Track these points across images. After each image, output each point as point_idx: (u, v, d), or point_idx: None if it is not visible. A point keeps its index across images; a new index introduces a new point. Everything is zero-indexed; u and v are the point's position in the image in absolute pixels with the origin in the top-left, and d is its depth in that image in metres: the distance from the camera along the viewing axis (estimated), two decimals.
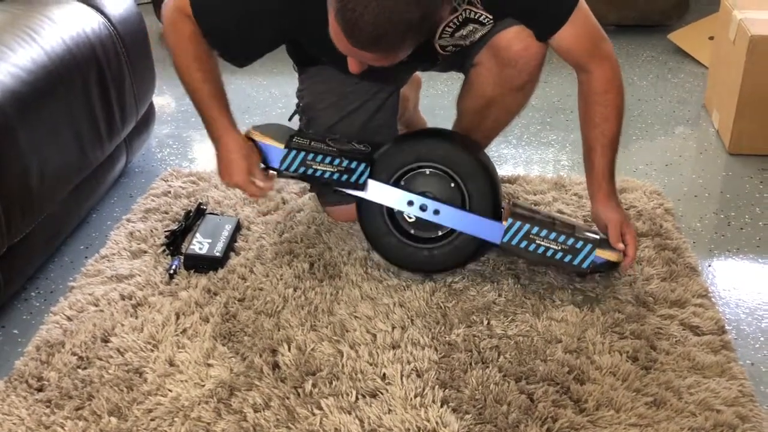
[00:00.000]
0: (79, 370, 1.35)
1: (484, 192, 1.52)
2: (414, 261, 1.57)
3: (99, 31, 1.81)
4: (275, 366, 1.35)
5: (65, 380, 1.32)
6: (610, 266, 1.49)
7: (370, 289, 1.54)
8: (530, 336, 1.41)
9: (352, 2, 1.17)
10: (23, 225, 1.51)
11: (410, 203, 1.52)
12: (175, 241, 1.70)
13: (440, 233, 1.55)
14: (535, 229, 1.47)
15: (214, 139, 1.53)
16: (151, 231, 1.75)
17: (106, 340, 1.42)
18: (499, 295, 1.52)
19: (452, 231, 1.54)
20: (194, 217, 1.78)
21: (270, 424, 1.23)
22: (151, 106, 2.16)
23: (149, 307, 1.50)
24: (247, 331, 1.43)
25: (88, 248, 1.76)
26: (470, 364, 1.34)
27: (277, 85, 2.72)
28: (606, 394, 1.27)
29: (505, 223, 1.48)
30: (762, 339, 1.45)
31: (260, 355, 1.36)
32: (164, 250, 1.68)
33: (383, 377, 1.32)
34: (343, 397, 1.27)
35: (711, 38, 2.67)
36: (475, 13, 1.44)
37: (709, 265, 1.67)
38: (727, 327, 1.44)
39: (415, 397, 1.27)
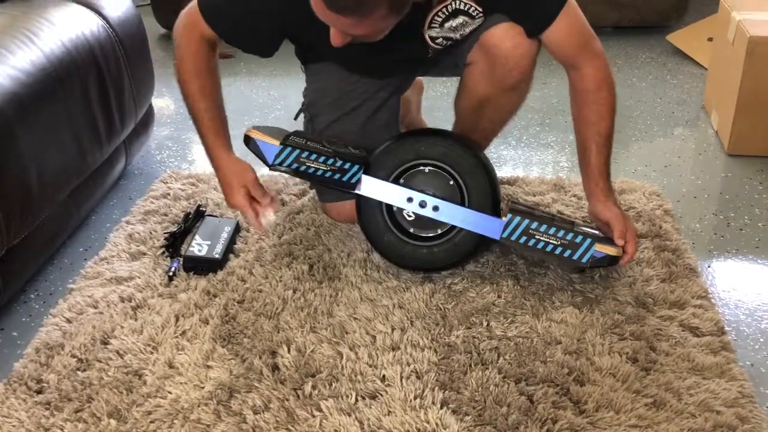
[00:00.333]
0: (79, 373, 1.35)
1: (484, 188, 1.52)
2: (414, 259, 1.57)
3: (98, 33, 1.81)
4: (275, 368, 1.35)
5: (64, 382, 1.32)
6: (610, 261, 1.49)
7: (370, 290, 1.54)
8: (530, 337, 1.41)
9: None
10: (22, 227, 1.51)
11: (410, 200, 1.52)
12: (174, 243, 1.70)
13: (440, 231, 1.55)
14: (535, 224, 1.47)
15: (213, 166, 1.56)
16: (151, 233, 1.75)
17: (105, 342, 1.42)
18: (499, 297, 1.52)
19: (452, 229, 1.54)
20: (193, 219, 1.78)
21: (269, 425, 1.23)
22: (150, 108, 2.16)
23: (149, 309, 1.50)
24: (247, 333, 1.43)
25: (88, 250, 1.75)
26: (470, 365, 1.34)
27: (277, 87, 2.72)
28: (606, 395, 1.27)
29: (505, 219, 1.48)
30: (761, 340, 1.45)
31: (260, 357, 1.36)
32: (163, 252, 1.68)
33: (383, 379, 1.32)
34: (342, 399, 1.27)
35: (710, 39, 2.67)
36: (465, 4, 1.45)
37: (709, 266, 1.67)
38: (726, 328, 1.44)
39: (415, 398, 1.27)
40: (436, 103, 2.48)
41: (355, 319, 1.46)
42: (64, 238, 1.76)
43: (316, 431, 1.22)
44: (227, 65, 2.95)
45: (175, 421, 1.24)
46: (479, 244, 1.55)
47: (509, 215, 1.48)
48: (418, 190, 1.53)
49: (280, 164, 1.52)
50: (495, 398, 1.27)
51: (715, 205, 1.91)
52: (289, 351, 1.38)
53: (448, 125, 1.79)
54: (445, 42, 1.53)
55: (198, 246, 1.64)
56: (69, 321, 1.48)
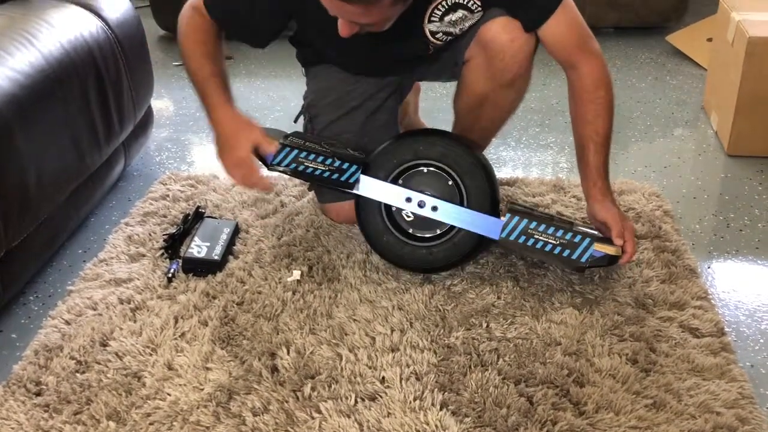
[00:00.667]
0: (78, 375, 1.34)
1: (482, 189, 1.52)
2: (413, 260, 1.57)
3: (97, 34, 1.81)
4: (274, 369, 1.35)
5: (64, 384, 1.32)
6: (609, 261, 1.48)
7: (369, 292, 1.54)
8: (529, 338, 1.41)
9: None
10: (21, 229, 1.51)
11: (408, 200, 1.52)
12: (173, 244, 1.70)
13: (439, 231, 1.55)
14: (533, 224, 1.47)
15: (214, 122, 1.55)
16: (150, 234, 1.75)
17: (104, 344, 1.41)
18: (498, 298, 1.52)
19: (451, 229, 1.54)
20: (193, 221, 1.78)
21: (269, 427, 1.22)
22: (150, 109, 2.16)
23: (148, 310, 1.50)
24: (246, 335, 1.43)
25: (87, 252, 1.75)
26: (469, 367, 1.34)
27: (276, 89, 2.72)
28: (605, 396, 1.27)
29: (503, 219, 1.48)
30: (761, 341, 1.44)
31: (259, 359, 1.36)
32: (163, 254, 1.68)
33: (382, 380, 1.31)
34: (342, 401, 1.27)
35: (709, 40, 2.67)
36: None
37: (709, 267, 1.66)
38: (726, 329, 1.44)
39: (415, 400, 1.27)
40: (435, 104, 2.47)
41: (354, 320, 1.46)
42: (63, 240, 1.75)
43: None
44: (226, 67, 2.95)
45: (175, 423, 1.24)
46: (478, 244, 1.55)
47: (508, 215, 1.48)
48: (417, 191, 1.53)
49: (279, 164, 1.51)
50: (495, 400, 1.27)
51: (714, 206, 1.91)
52: (288, 353, 1.38)
53: (447, 127, 1.79)
54: (444, 37, 1.54)
55: (197, 247, 1.64)
56: (68, 323, 1.47)
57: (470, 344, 1.39)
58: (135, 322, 1.47)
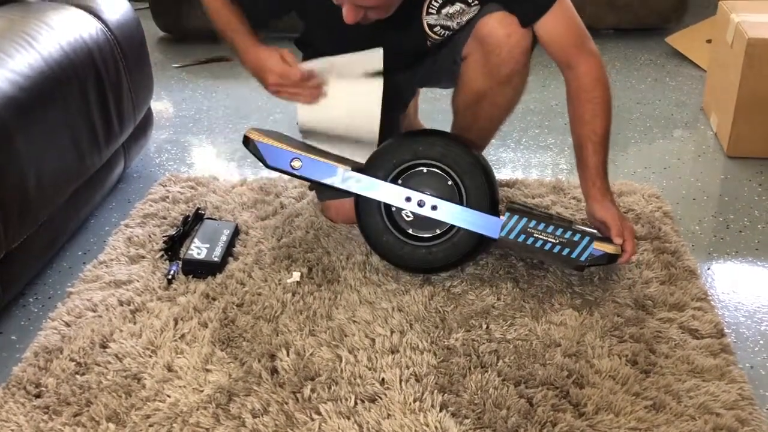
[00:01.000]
0: (78, 376, 1.34)
1: (482, 188, 1.52)
2: (413, 260, 1.57)
3: (97, 36, 1.81)
4: (274, 371, 1.35)
5: (63, 386, 1.32)
6: (609, 259, 1.48)
7: (369, 293, 1.54)
8: (529, 340, 1.41)
9: None
10: (21, 231, 1.51)
11: (408, 199, 1.52)
12: (173, 246, 1.70)
13: (438, 231, 1.55)
14: (533, 223, 1.47)
15: (242, 53, 1.60)
16: (150, 236, 1.75)
17: (104, 346, 1.41)
18: (498, 299, 1.52)
19: (450, 228, 1.54)
20: (192, 222, 1.78)
21: (269, 429, 1.22)
22: (149, 111, 2.17)
23: (147, 312, 1.50)
24: (246, 337, 1.43)
25: (87, 254, 1.75)
26: (469, 368, 1.34)
27: None
28: (605, 398, 1.27)
29: (503, 218, 1.48)
30: (761, 342, 1.44)
31: (259, 361, 1.36)
32: (162, 256, 1.68)
33: (382, 382, 1.31)
34: (341, 402, 1.27)
35: (709, 41, 2.67)
36: None
37: (708, 268, 1.66)
38: (726, 330, 1.44)
39: (414, 401, 1.27)
40: (435, 105, 2.47)
41: (354, 322, 1.46)
42: (62, 242, 1.76)
43: None
44: (226, 69, 2.96)
45: (174, 425, 1.24)
46: (478, 244, 1.55)
47: (507, 214, 1.49)
48: (416, 190, 1.53)
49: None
50: (494, 401, 1.27)
51: (714, 207, 1.91)
52: (288, 354, 1.38)
53: (447, 128, 1.79)
54: (442, 32, 1.55)
55: (197, 249, 1.64)
56: (68, 325, 1.47)
57: (470, 346, 1.39)
58: (135, 323, 1.47)
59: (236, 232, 1.74)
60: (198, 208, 1.84)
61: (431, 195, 1.52)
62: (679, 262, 1.62)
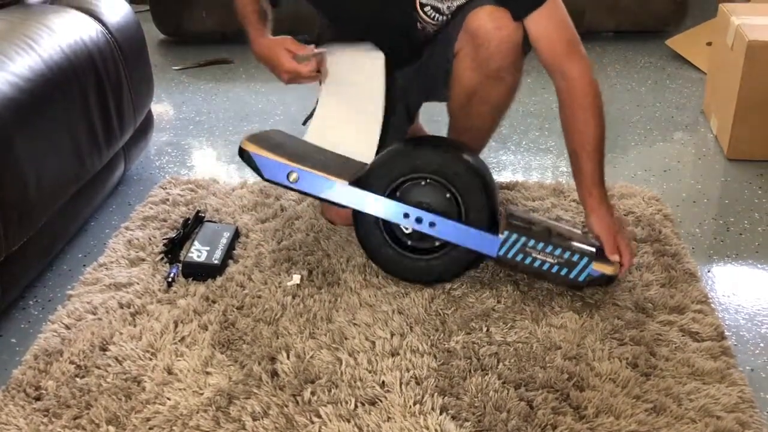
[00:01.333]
0: (77, 379, 1.34)
1: (481, 205, 1.51)
2: (412, 272, 1.56)
3: (97, 39, 1.81)
4: (274, 374, 1.35)
5: (63, 389, 1.32)
6: (608, 280, 1.48)
7: (369, 296, 1.54)
8: (529, 343, 1.41)
9: None
10: (21, 233, 1.51)
11: (406, 216, 1.51)
12: (173, 248, 1.70)
13: (437, 244, 1.55)
14: (531, 242, 1.46)
15: (254, 54, 1.65)
16: (150, 239, 1.75)
17: (104, 349, 1.41)
18: (498, 302, 1.52)
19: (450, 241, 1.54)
20: (192, 225, 1.78)
21: None
22: (149, 113, 2.17)
23: (147, 315, 1.50)
24: (246, 339, 1.43)
25: (87, 256, 1.75)
26: (469, 371, 1.34)
27: (276, 93, 2.72)
28: (606, 400, 1.27)
29: (501, 236, 1.48)
30: (762, 345, 1.44)
31: (259, 363, 1.36)
32: (162, 258, 1.68)
33: (382, 385, 1.31)
34: (342, 405, 1.27)
35: (709, 44, 2.67)
36: None
37: (709, 271, 1.66)
38: (726, 333, 1.44)
39: (414, 404, 1.27)
40: (435, 107, 2.47)
41: (354, 324, 1.46)
42: (62, 244, 1.75)
43: None
44: (227, 71, 2.96)
45: (174, 428, 1.24)
46: (478, 258, 1.55)
47: (506, 233, 1.47)
48: (414, 204, 1.51)
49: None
50: (495, 404, 1.26)
51: (714, 210, 1.91)
52: (288, 357, 1.37)
53: (447, 131, 1.79)
54: (433, 14, 1.56)
55: (197, 252, 1.64)
56: (68, 327, 1.47)
57: (470, 348, 1.39)
58: (135, 326, 1.47)
59: (236, 235, 1.74)
60: (198, 211, 1.84)
61: (429, 209, 1.50)
62: (679, 264, 1.62)
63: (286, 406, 1.27)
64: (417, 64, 1.73)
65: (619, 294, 1.54)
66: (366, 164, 1.58)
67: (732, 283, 1.63)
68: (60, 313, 1.52)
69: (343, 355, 1.38)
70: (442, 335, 1.43)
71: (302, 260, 1.65)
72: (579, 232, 1.57)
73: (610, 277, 1.47)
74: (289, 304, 1.51)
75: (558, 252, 1.46)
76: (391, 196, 1.53)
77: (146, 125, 2.14)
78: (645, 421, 1.23)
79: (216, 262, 1.62)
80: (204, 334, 1.44)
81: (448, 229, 1.50)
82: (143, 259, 1.68)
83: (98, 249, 1.76)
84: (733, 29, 2.12)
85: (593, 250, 1.48)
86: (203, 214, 1.84)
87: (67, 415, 1.26)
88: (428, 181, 1.52)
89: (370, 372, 1.34)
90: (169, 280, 1.59)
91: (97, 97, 1.77)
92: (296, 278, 1.58)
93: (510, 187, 1.97)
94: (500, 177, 2.07)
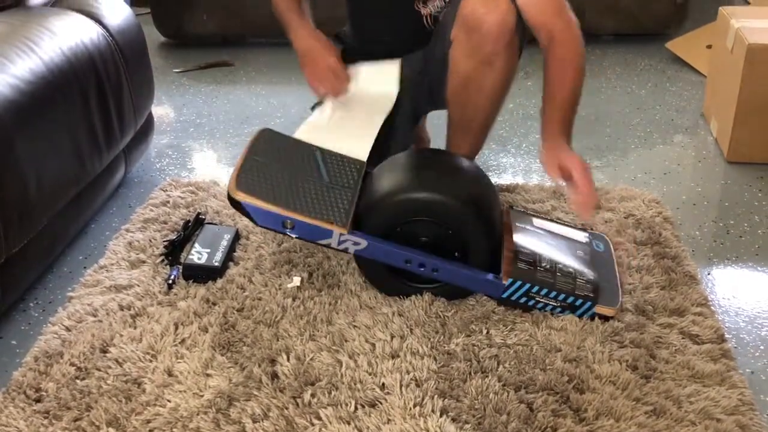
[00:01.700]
0: (78, 381, 1.34)
1: (485, 249, 1.50)
2: (417, 298, 1.54)
3: (98, 41, 1.82)
4: (274, 376, 1.35)
5: (63, 391, 1.32)
6: (607, 319, 1.48)
7: (369, 298, 1.54)
8: (530, 345, 1.41)
9: None
10: (21, 235, 1.51)
11: (408, 262, 1.48)
12: (173, 251, 1.70)
13: None
14: (535, 289, 1.46)
15: (293, 40, 1.74)
16: (150, 241, 1.75)
17: (104, 351, 1.41)
18: (498, 304, 1.52)
19: None
20: (193, 227, 1.78)
21: None
22: (150, 116, 2.17)
23: (148, 317, 1.50)
24: (246, 341, 1.43)
25: (87, 258, 1.75)
26: (469, 373, 1.34)
27: (276, 95, 2.73)
28: (606, 403, 1.27)
29: (506, 282, 1.47)
30: (762, 347, 1.44)
31: (259, 365, 1.36)
32: (163, 260, 1.68)
33: (382, 387, 1.31)
34: (342, 407, 1.27)
35: (709, 47, 2.68)
36: None
37: (709, 274, 1.66)
38: (726, 335, 1.44)
39: (415, 406, 1.27)
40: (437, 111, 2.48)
41: (354, 326, 1.46)
42: (63, 246, 1.76)
43: None
44: (227, 74, 2.96)
45: (174, 430, 1.24)
46: None
47: (510, 280, 1.46)
48: (414, 238, 1.49)
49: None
50: (495, 406, 1.26)
51: (714, 213, 1.91)
52: (288, 359, 1.38)
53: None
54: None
55: (197, 254, 1.64)
56: (68, 329, 1.47)
57: (470, 351, 1.39)
58: (135, 328, 1.47)
59: (237, 237, 1.75)
60: (198, 213, 1.84)
61: (430, 244, 1.48)
62: (679, 267, 1.62)
63: (286, 408, 1.27)
64: (418, 50, 1.78)
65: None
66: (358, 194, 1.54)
67: (732, 285, 1.63)
68: (60, 315, 1.52)
69: (343, 357, 1.38)
70: (442, 337, 1.43)
71: (302, 262, 1.65)
72: (585, 269, 1.53)
73: (609, 319, 1.47)
74: (290, 306, 1.51)
75: (561, 297, 1.46)
76: (391, 233, 1.49)
77: (147, 127, 2.14)
78: (645, 424, 1.23)
79: (216, 264, 1.62)
80: (204, 336, 1.44)
81: (451, 274, 1.49)
82: (144, 261, 1.69)
83: (99, 251, 1.76)
84: (733, 32, 2.12)
85: (594, 295, 1.47)
86: (204, 216, 1.84)
87: (68, 417, 1.26)
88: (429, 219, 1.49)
89: (370, 374, 1.34)
90: (170, 282, 1.59)
91: (98, 100, 1.78)
92: (296, 280, 1.58)
93: (510, 189, 1.97)
94: (500, 179, 2.07)
